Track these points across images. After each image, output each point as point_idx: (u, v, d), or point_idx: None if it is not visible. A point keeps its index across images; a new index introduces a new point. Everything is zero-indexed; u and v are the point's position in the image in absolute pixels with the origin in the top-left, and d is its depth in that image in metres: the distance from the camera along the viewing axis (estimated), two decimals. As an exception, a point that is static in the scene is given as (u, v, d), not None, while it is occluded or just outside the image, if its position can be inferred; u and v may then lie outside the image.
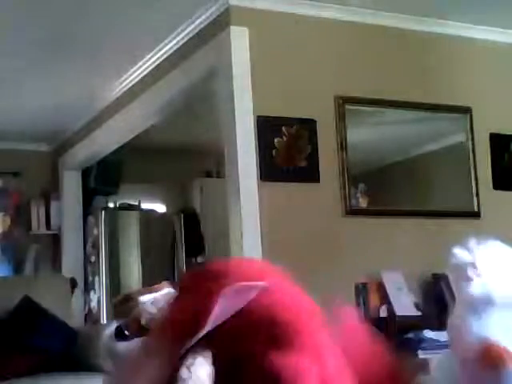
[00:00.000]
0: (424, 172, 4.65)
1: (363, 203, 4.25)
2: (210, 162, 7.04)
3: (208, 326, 0.96)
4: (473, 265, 0.95)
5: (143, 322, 1.94)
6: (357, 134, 4.21)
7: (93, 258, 6.62)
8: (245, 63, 3.95)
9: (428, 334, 3.56)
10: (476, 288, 0.94)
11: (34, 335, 4.30)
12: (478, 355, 0.85)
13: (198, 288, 0.99)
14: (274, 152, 3.94)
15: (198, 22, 4.22)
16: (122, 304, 2.02)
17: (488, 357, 0.84)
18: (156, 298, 1.99)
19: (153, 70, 4.84)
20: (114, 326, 1.94)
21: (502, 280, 0.93)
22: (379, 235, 4.12)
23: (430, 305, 3.97)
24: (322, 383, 0.83)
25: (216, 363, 0.95)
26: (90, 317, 6.48)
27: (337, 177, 4.10)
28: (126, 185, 6.90)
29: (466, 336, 0.85)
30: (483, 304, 0.90)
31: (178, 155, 7.05)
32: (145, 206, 7.11)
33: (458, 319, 0.91)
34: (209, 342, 0.96)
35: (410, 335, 3.64)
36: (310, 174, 4.02)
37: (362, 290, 3.93)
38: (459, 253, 0.99)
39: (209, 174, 7.26)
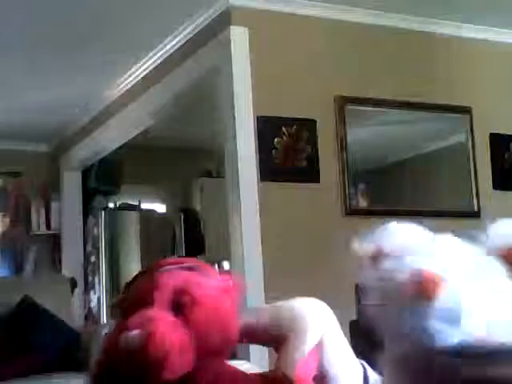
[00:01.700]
0: (424, 172, 4.65)
1: (363, 203, 4.25)
2: (210, 162, 7.04)
3: None
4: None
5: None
6: (357, 134, 4.21)
7: (93, 258, 6.62)
8: (245, 63, 3.95)
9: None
10: None
11: (34, 335, 4.30)
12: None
13: None
14: (273, 152, 3.94)
15: (198, 22, 4.22)
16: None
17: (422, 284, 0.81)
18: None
19: (153, 70, 4.84)
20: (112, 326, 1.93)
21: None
22: (379, 235, 4.12)
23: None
24: None
25: None
26: (90, 317, 6.48)
27: (337, 177, 4.10)
28: (125, 185, 6.90)
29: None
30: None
31: (178, 155, 7.05)
32: (145, 206, 7.11)
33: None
34: None
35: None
36: (310, 174, 4.02)
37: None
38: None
39: (209, 174, 7.26)
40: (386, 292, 0.83)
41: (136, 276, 0.80)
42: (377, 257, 0.95)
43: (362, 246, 0.96)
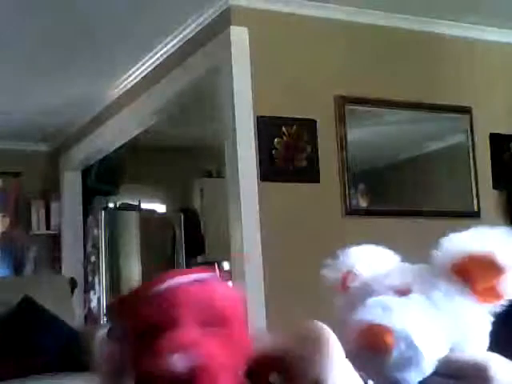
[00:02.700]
0: (424, 172, 4.64)
1: (363, 203, 4.25)
2: (210, 162, 7.05)
3: None
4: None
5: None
6: (357, 134, 4.21)
7: (93, 258, 6.62)
8: (245, 63, 3.95)
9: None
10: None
11: (34, 335, 4.30)
12: (358, 336, 0.83)
13: None
14: (274, 152, 3.94)
15: (198, 22, 4.22)
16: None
17: (368, 336, 0.82)
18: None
19: (153, 70, 4.84)
20: (108, 327, 1.93)
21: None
22: (379, 235, 4.11)
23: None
24: None
25: None
26: (90, 317, 6.48)
27: (337, 177, 4.10)
28: (126, 185, 6.91)
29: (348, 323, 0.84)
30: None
31: (178, 155, 7.05)
32: (145, 205, 7.11)
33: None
34: None
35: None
36: (310, 174, 4.02)
37: (362, 290, 3.92)
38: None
39: (209, 174, 7.27)
40: (348, 344, 0.84)
41: (133, 291, 0.69)
42: (345, 284, 0.96)
43: (331, 275, 0.97)
